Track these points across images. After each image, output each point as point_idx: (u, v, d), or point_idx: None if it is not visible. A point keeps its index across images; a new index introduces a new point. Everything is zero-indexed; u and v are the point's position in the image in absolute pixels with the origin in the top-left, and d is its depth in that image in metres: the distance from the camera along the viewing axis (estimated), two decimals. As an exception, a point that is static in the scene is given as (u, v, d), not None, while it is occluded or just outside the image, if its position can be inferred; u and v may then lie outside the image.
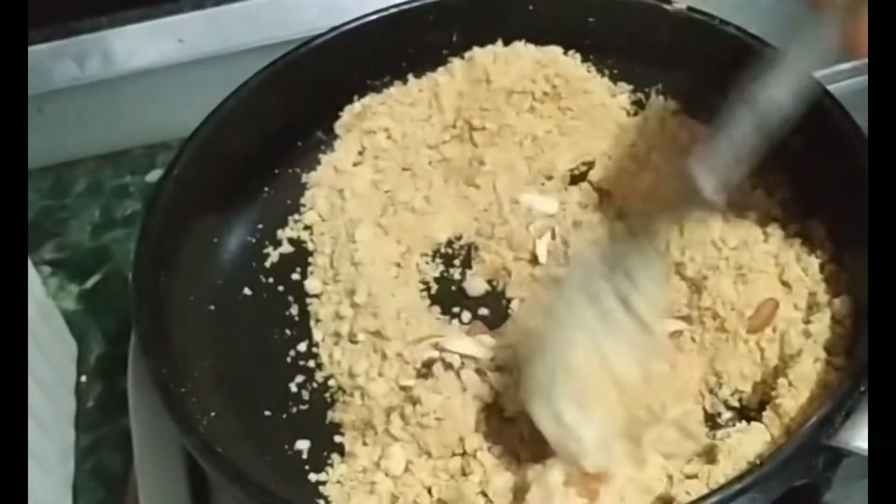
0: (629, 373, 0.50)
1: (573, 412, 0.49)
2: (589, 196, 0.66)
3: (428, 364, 0.57)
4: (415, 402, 0.55)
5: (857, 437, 0.47)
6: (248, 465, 0.52)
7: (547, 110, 0.68)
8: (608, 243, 0.52)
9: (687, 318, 0.58)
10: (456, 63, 0.70)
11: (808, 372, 0.53)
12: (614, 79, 0.70)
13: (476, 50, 0.69)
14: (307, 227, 0.67)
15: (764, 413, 0.53)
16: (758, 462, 0.50)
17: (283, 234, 0.67)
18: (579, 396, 0.49)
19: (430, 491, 0.54)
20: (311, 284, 0.64)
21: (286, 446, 0.58)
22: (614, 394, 0.50)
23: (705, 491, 0.49)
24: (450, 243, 0.66)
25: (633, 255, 0.52)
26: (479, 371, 0.57)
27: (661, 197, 0.58)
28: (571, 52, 0.69)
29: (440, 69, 0.70)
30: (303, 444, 0.58)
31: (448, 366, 0.56)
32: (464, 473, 0.53)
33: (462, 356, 0.57)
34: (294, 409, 0.59)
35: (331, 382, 0.60)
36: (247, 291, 0.64)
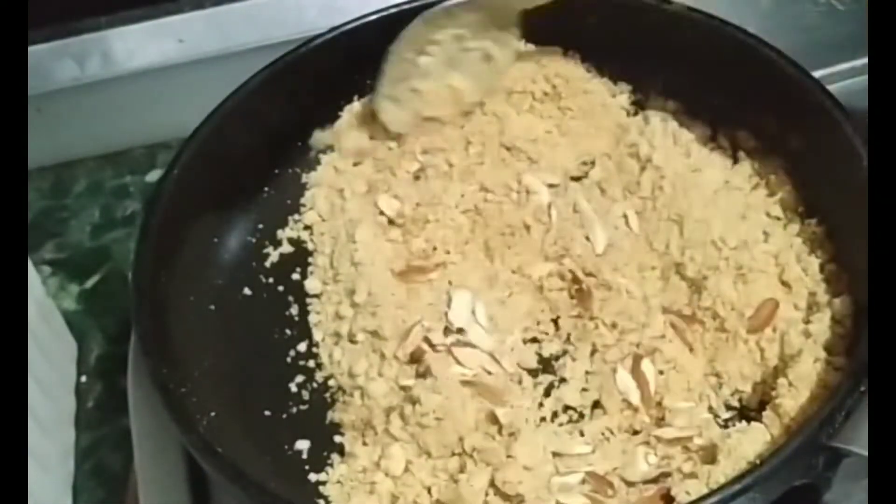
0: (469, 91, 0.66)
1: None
2: (590, 194, 0.66)
3: (418, 356, 0.57)
4: (414, 401, 0.55)
5: (857, 437, 0.47)
6: (248, 465, 0.52)
7: (547, 110, 0.68)
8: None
9: (687, 318, 0.58)
10: (456, 63, 0.70)
11: (808, 372, 0.53)
12: (614, 79, 0.70)
13: (476, 50, 0.69)
14: (307, 227, 0.67)
15: (764, 413, 0.53)
16: (758, 462, 0.50)
17: (283, 234, 0.67)
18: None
19: (429, 491, 0.54)
20: (311, 284, 0.64)
21: (286, 446, 0.58)
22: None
23: (705, 491, 0.49)
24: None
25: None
26: (468, 344, 0.58)
27: None
28: (571, 52, 0.69)
29: (440, 69, 0.70)
30: (303, 444, 0.58)
31: (434, 347, 0.57)
32: (463, 473, 0.54)
33: (446, 330, 0.58)
34: (294, 409, 0.59)
35: (331, 382, 0.60)
36: (247, 291, 0.64)
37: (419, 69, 0.66)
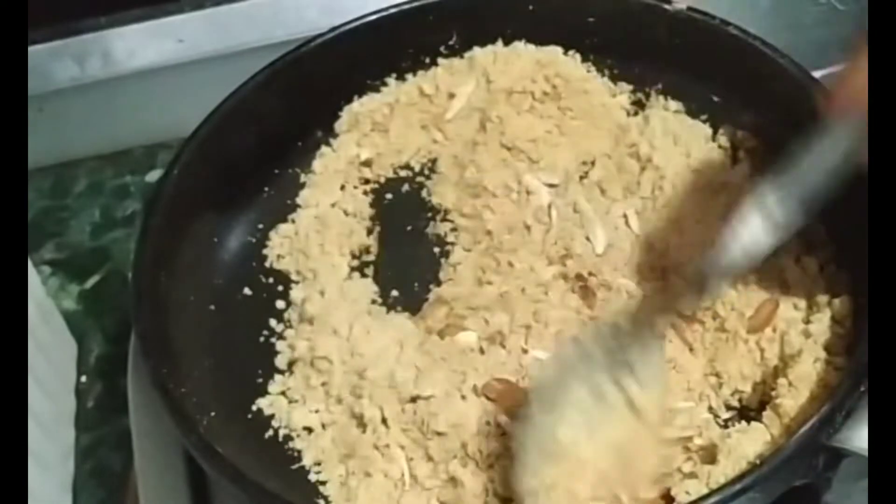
0: (611, 456, 0.49)
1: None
2: (590, 194, 0.65)
3: None
4: (416, 403, 0.55)
5: (857, 437, 0.47)
6: (248, 466, 0.52)
7: (547, 110, 0.68)
8: (609, 334, 0.51)
9: (687, 318, 0.58)
10: (456, 63, 0.70)
11: (808, 372, 0.53)
12: (614, 79, 0.70)
13: (476, 50, 0.69)
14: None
15: (764, 413, 0.53)
16: (758, 462, 0.50)
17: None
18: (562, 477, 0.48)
19: (430, 492, 0.54)
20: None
21: (286, 446, 0.58)
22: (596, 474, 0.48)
23: (705, 491, 0.49)
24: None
25: (634, 347, 0.50)
26: None
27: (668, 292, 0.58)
28: (571, 52, 0.69)
29: (440, 69, 0.70)
30: (303, 444, 0.58)
31: None
32: (463, 473, 0.53)
33: None
34: (294, 409, 0.59)
35: (331, 382, 0.60)
36: (247, 291, 0.64)
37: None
